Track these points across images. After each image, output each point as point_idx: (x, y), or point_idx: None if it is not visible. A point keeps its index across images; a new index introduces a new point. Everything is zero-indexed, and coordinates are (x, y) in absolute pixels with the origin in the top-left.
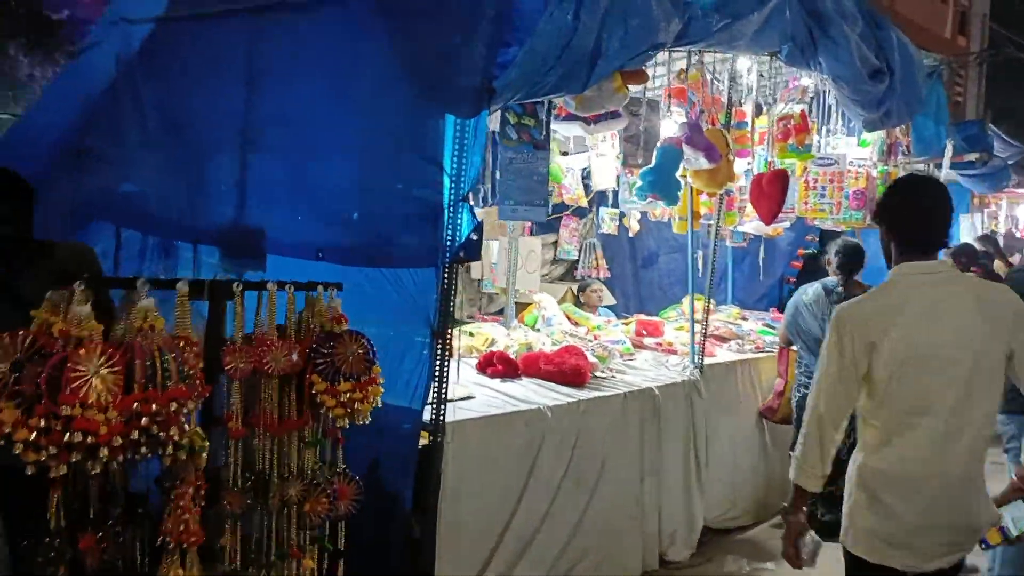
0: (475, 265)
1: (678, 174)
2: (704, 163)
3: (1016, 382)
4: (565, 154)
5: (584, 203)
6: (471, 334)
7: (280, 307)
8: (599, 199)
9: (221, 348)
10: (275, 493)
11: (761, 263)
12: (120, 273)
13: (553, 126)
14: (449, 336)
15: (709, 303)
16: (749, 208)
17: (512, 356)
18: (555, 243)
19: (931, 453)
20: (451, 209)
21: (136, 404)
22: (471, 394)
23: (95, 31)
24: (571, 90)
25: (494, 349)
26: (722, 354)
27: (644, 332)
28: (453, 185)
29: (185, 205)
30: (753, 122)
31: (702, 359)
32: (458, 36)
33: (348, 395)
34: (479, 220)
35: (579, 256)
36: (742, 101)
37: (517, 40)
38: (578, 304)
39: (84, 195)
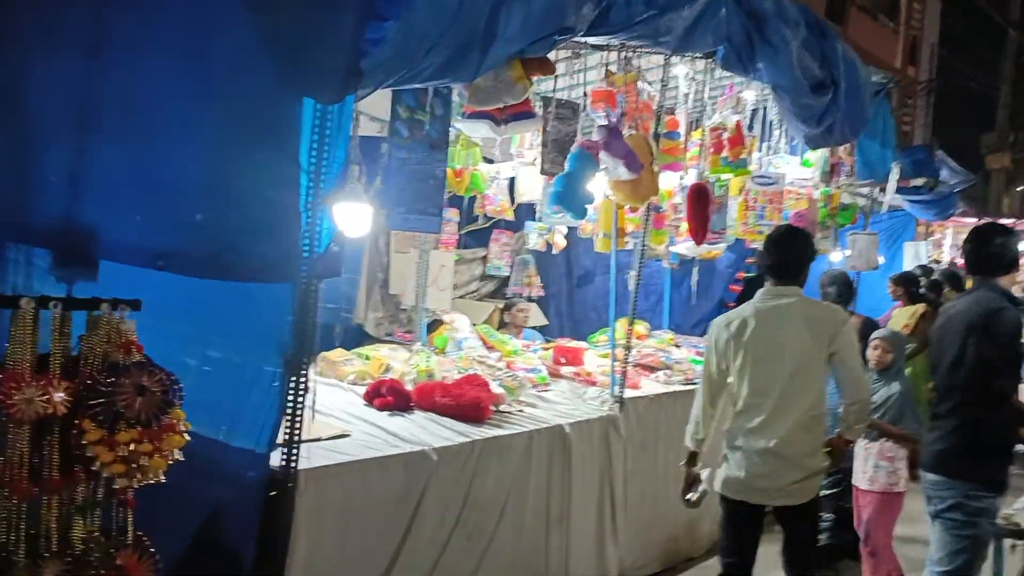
0: (394, 278)
1: (589, 185)
2: (624, 173)
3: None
4: (490, 161)
5: (510, 215)
6: (366, 357)
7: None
8: (527, 211)
9: None
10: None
11: (695, 286)
12: None
13: (458, 124)
14: (305, 365)
15: (632, 327)
16: (684, 227)
17: (408, 384)
18: (485, 258)
19: (765, 424)
20: (309, 213)
21: None
22: (346, 432)
23: None
24: (460, 77)
25: (387, 377)
26: (648, 385)
27: (563, 359)
28: (311, 184)
29: (17, 201)
30: (688, 134)
31: (623, 391)
32: (321, 5)
33: (132, 447)
34: (338, 228)
35: (511, 272)
36: (675, 109)
37: (393, 13)
38: (502, 325)
39: None
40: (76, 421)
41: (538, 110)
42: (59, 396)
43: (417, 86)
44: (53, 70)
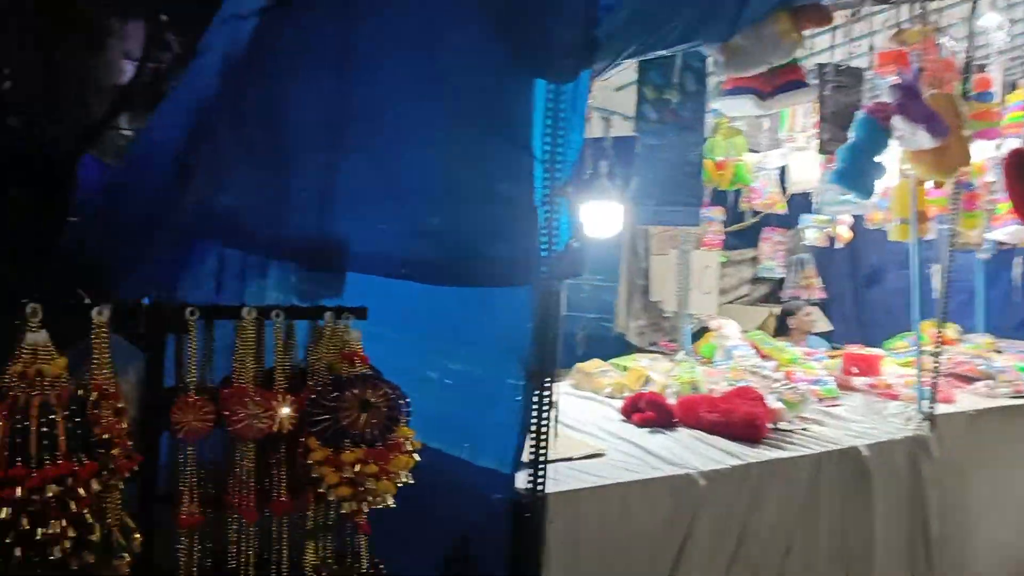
0: (654, 284)
1: (879, 157)
2: (925, 140)
3: None
4: (754, 151)
5: (782, 209)
6: (623, 368)
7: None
8: (801, 204)
9: (167, 401)
10: None
11: (1019, 279)
12: (222, 297)
13: (715, 104)
14: (549, 377)
15: (940, 331)
16: (1001, 208)
17: (670, 398)
18: (754, 259)
19: None
20: (545, 207)
21: None
22: (601, 451)
23: (208, 33)
24: (713, 36)
25: (647, 389)
26: (965, 399)
27: (854, 369)
28: (546, 174)
29: (273, 217)
30: (1004, 95)
31: (933, 406)
32: None
33: (357, 468)
34: (579, 223)
35: (785, 274)
36: (985, 66)
37: None
38: (781, 331)
39: (188, 213)
40: (302, 439)
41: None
42: (285, 412)
43: (662, 53)
44: (306, 86)
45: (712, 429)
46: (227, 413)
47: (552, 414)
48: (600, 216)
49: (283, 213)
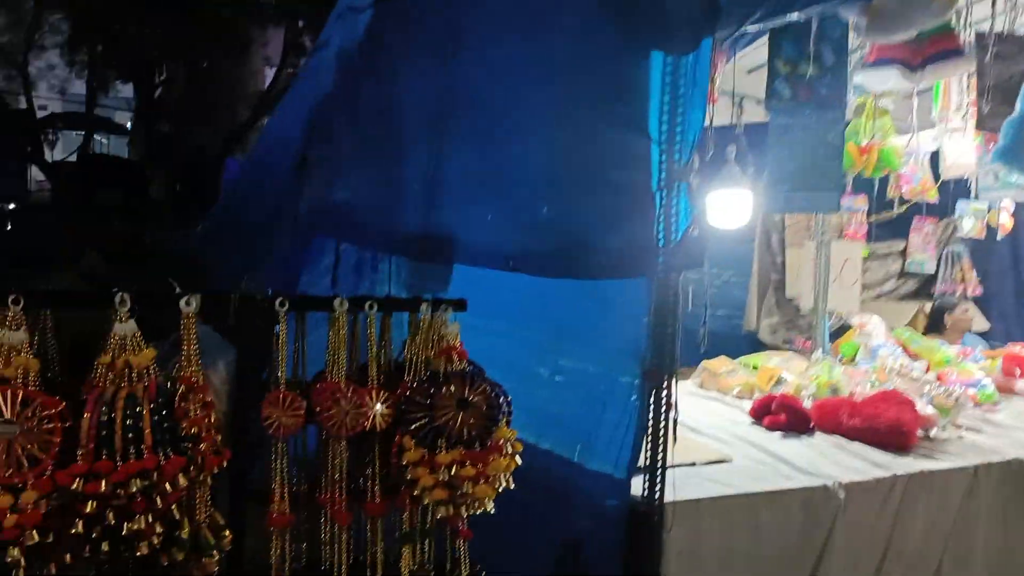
0: (790, 280)
1: None
2: None
3: None
4: (902, 133)
5: (933, 197)
6: (753, 367)
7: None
8: (956, 190)
9: (259, 396)
10: None
11: None
12: (337, 292)
13: (857, 79)
14: (668, 375)
15: None
16: None
17: (805, 401)
18: (903, 251)
19: None
20: (663, 193)
21: (77, 481)
22: (727, 456)
23: (325, 29)
24: None
25: (780, 391)
26: None
27: (1016, 371)
28: (663, 157)
29: (384, 211)
30: None
31: None
32: None
33: (453, 470)
34: (699, 210)
35: (937, 268)
36: None
37: None
38: (932, 330)
39: (305, 208)
40: (396, 438)
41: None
42: (379, 409)
43: (794, 19)
44: (416, 76)
45: (854, 435)
46: (319, 409)
47: (672, 415)
48: (728, 205)
49: (393, 207)
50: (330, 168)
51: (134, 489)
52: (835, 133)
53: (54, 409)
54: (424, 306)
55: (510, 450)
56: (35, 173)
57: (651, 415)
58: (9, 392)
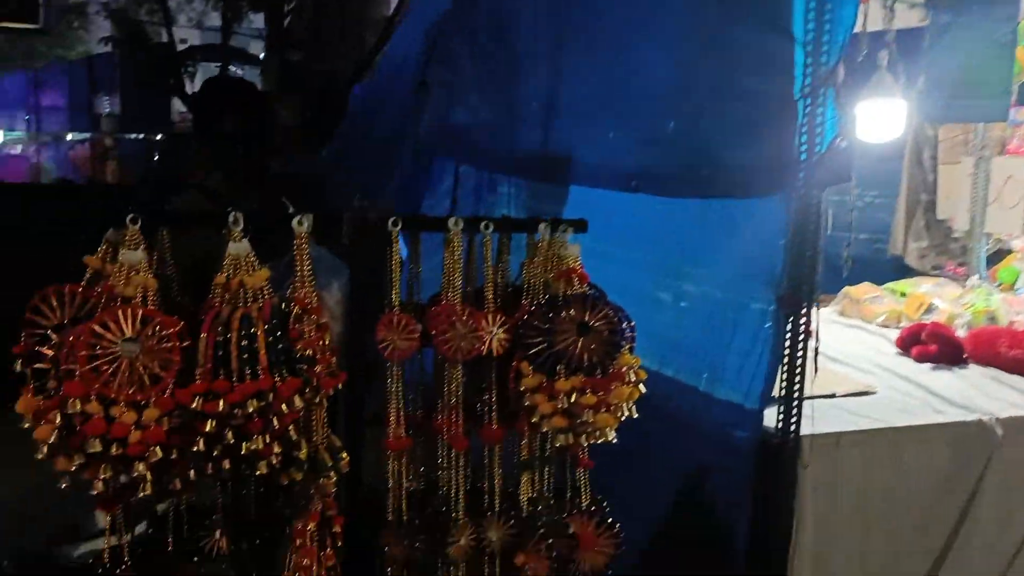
0: (942, 200)
1: None
2: None
3: None
4: None
5: None
6: (901, 294)
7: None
8: None
9: (375, 318)
10: (460, 537)
11: None
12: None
13: None
14: (806, 302)
15: None
16: None
17: (959, 330)
18: None
19: None
20: (807, 101)
21: (196, 399)
22: (871, 388)
23: None
24: None
25: (930, 319)
26: None
27: None
28: (809, 60)
29: (503, 131)
30: None
31: None
32: None
33: (572, 398)
34: (848, 119)
35: None
36: None
37: None
38: None
39: (425, 130)
40: (514, 363)
41: None
42: (495, 333)
43: None
44: None
45: (1013, 368)
46: (434, 332)
47: (810, 344)
48: (879, 116)
49: (511, 126)
50: (449, 90)
51: (251, 409)
52: (1005, 32)
53: (173, 328)
54: (542, 226)
55: (633, 378)
56: (177, 104)
57: (787, 343)
58: (129, 310)
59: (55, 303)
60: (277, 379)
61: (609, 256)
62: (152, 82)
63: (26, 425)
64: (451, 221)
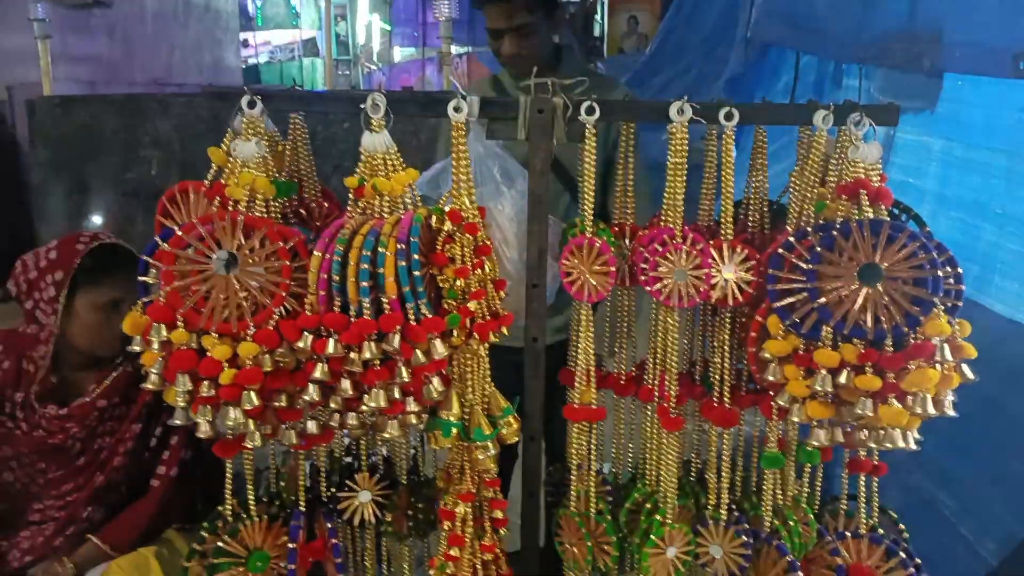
0: None
1: None
2: None
3: None
4: None
5: None
6: None
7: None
8: None
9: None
10: (670, 544)
11: None
12: None
13: None
14: None
15: None
16: None
17: None
18: None
19: None
20: None
21: (304, 336)
22: None
23: None
24: None
25: None
26: None
27: None
28: None
29: (855, 8)
30: None
31: None
32: None
33: (842, 377)
34: None
35: None
36: None
37: None
38: None
39: (760, 16)
40: (758, 317)
41: None
42: (730, 272)
43: None
44: None
45: None
46: (641, 266)
47: None
48: None
49: (866, 2)
50: None
51: (368, 354)
52: None
53: (281, 243)
54: (820, 114)
55: (948, 356)
56: None
57: None
58: (228, 219)
59: (180, 203)
60: (411, 316)
61: (979, 167)
62: None
63: (136, 348)
64: (673, 108)
